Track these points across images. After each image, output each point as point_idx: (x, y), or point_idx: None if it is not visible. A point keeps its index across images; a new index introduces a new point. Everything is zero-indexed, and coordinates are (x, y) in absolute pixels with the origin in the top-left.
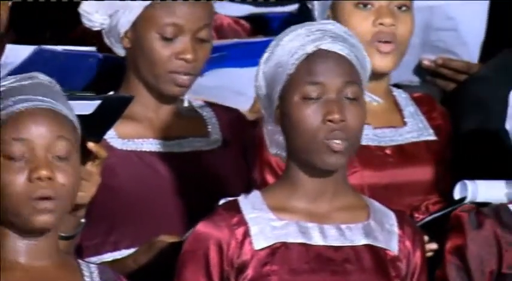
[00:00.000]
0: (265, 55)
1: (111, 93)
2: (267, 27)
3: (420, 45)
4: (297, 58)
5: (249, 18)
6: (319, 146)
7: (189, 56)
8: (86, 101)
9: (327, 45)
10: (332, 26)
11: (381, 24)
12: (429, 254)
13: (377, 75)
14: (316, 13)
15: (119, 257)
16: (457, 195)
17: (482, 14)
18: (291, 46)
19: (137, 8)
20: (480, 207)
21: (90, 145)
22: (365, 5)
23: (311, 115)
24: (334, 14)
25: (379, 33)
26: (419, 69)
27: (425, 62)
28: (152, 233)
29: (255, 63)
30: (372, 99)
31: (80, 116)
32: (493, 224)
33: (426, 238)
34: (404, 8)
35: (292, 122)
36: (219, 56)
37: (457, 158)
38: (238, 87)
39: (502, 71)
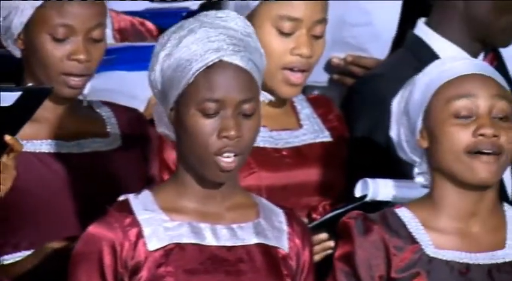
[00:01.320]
0: (165, 51)
1: (30, 84)
2: (162, 24)
3: (331, 44)
4: (197, 68)
5: (144, 14)
6: (210, 162)
7: (81, 57)
8: (6, 92)
9: (229, 57)
10: (234, 24)
11: (299, 54)
12: (329, 251)
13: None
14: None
15: (18, 258)
16: (358, 193)
17: (396, 9)
18: (192, 52)
19: (28, 10)
20: (381, 206)
21: (7, 138)
22: (286, 32)
23: (207, 129)
24: (252, 23)
25: (295, 63)
26: (327, 68)
27: (335, 60)
28: (53, 234)
29: (146, 66)
30: (264, 97)
31: None
32: (381, 230)
33: (325, 235)
34: (320, 35)
35: (186, 132)
36: (108, 59)
37: (353, 156)
38: (130, 91)
39: (397, 69)
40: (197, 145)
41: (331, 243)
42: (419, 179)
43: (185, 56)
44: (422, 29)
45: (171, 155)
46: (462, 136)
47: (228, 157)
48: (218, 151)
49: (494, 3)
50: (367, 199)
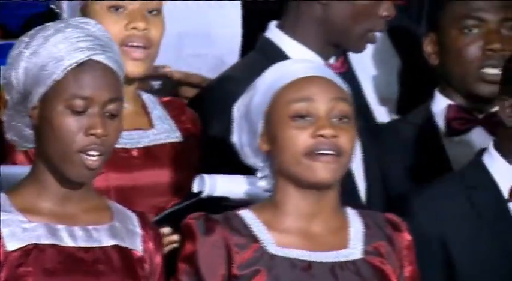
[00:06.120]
0: (30, 50)
1: None
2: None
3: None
4: (68, 66)
5: None
6: (74, 160)
7: None
8: None
9: (98, 56)
10: (97, 30)
11: (134, 28)
12: (173, 245)
13: (127, 80)
14: (65, 15)
15: None
16: (195, 188)
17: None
18: (59, 50)
19: None
20: (219, 202)
21: None
22: (117, 9)
23: (74, 127)
24: (85, 16)
25: (132, 37)
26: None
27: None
28: None
29: None
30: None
31: None
32: (223, 229)
33: (169, 229)
34: (155, 12)
35: (52, 129)
36: None
37: (207, 157)
38: None
39: (249, 71)
40: (62, 142)
41: (175, 236)
42: (262, 183)
43: (53, 53)
44: (274, 32)
45: (19, 157)
46: (301, 138)
47: (93, 155)
48: (83, 148)
49: (354, 9)
50: (204, 194)
